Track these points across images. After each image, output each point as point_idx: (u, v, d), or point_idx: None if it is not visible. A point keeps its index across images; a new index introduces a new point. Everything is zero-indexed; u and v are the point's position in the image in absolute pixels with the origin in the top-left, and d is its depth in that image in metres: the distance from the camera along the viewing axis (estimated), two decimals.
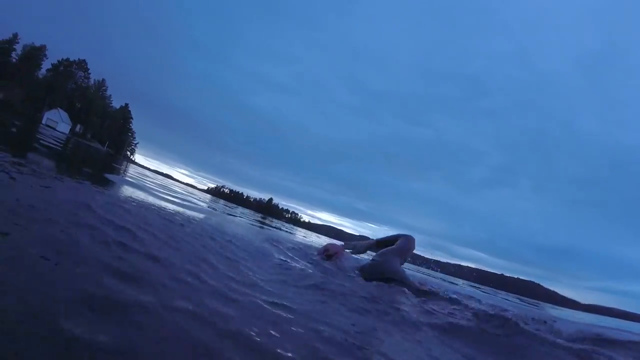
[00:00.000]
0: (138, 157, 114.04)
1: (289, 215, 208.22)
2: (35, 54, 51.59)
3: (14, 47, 50.72)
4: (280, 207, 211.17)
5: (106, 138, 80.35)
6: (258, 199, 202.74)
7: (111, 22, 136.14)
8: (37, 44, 54.21)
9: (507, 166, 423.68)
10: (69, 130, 61.17)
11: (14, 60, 50.59)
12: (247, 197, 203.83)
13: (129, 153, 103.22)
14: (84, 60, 61.30)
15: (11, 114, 27.28)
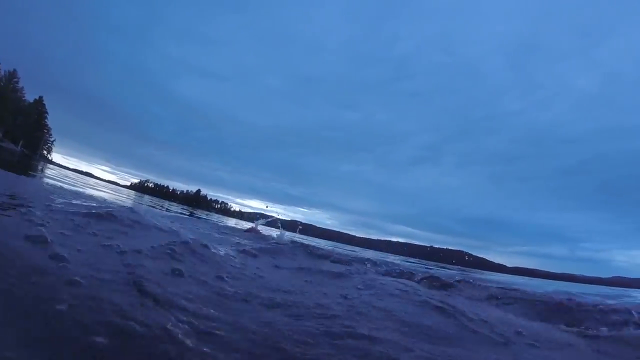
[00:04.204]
0: (55, 156, 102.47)
1: (219, 206, 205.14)
2: None
3: None
4: (209, 197, 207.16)
5: (20, 137, 72.07)
6: (185, 191, 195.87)
7: (20, 5, 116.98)
8: None
9: (432, 145, 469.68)
10: None
11: None
12: (174, 190, 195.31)
13: (45, 152, 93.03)
14: None
15: None
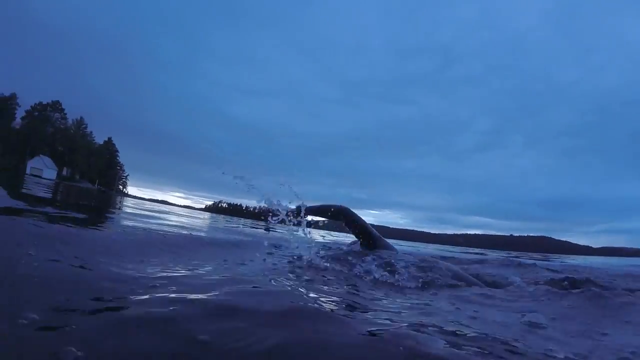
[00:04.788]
0: (131, 189, 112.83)
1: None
2: (5, 104, 50.52)
3: None
4: None
5: (95, 176, 79.50)
6: (258, 207, 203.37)
7: (78, 58, 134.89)
8: (6, 93, 53.21)
9: (495, 128, 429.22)
10: (55, 176, 60.31)
11: None
12: (247, 207, 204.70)
13: (121, 187, 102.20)
14: (58, 102, 60.35)
15: None
